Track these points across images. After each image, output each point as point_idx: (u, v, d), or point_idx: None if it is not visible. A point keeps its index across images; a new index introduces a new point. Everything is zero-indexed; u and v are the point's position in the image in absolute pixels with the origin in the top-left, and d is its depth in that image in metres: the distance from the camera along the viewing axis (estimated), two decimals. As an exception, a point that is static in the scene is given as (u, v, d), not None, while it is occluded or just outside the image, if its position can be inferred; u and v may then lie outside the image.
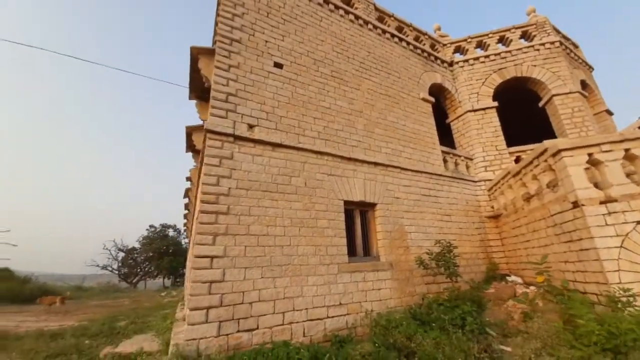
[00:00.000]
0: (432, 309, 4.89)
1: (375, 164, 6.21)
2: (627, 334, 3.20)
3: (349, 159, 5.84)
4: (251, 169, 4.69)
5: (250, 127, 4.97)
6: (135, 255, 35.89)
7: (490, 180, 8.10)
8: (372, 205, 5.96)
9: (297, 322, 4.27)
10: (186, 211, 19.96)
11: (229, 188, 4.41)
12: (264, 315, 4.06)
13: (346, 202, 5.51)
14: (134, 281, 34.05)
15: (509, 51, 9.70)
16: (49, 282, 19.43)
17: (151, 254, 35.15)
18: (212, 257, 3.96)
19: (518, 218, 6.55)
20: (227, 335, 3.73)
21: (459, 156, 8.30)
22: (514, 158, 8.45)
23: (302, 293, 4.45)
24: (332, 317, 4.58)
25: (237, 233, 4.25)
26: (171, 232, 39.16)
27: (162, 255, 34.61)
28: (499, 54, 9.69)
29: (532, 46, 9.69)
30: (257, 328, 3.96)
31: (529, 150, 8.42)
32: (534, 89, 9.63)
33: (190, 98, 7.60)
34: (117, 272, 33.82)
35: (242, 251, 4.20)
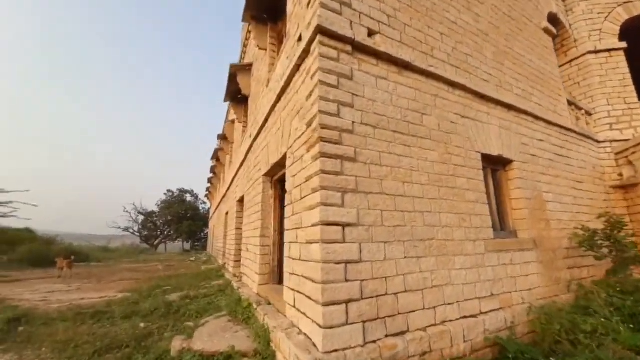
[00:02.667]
0: (614, 305, 3.51)
1: (509, 107, 4.54)
2: None
3: (482, 96, 4.18)
4: (376, 97, 3.12)
5: (371, 34, 3.30)
6: (155, 218, 36.00)
7: (618, 140, 6.36)
8: (507, 163, 4.40)
9: (451, 321, 2.96)
10: (211, 174, 18.85)
11: (353, 122, 2.89)
12: (413, 311, 2.74)
13: (482, 157, 3.96)
14: (155, 243, 34.41)
15: (640, -23, 7.36)
16: (74, 242, 19.09)
17: (170, 218, 35.20)
18: (343, 225, 2.55)
19: (688, 187, 4.92)
20: (375, 342, 2.43)
21: (580, 109, 6.48)
22: (649, 113, 6.59)
23: (451, 280, 3.10)
24: (487, 312, 3.26)
25: (370, 191, 2.80)
26: (188, 197, 38.99)
27: (181, 219, 34.62)
28: (627, -21, 7.37)
29: (664, -25, 7.32)
30: (408, 330, 2.66)
31: (672, 104, 6.54)
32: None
33: (243, 19, 5.82)
34: (138, 234, 34.10)
35: (378, 218, 2.77)
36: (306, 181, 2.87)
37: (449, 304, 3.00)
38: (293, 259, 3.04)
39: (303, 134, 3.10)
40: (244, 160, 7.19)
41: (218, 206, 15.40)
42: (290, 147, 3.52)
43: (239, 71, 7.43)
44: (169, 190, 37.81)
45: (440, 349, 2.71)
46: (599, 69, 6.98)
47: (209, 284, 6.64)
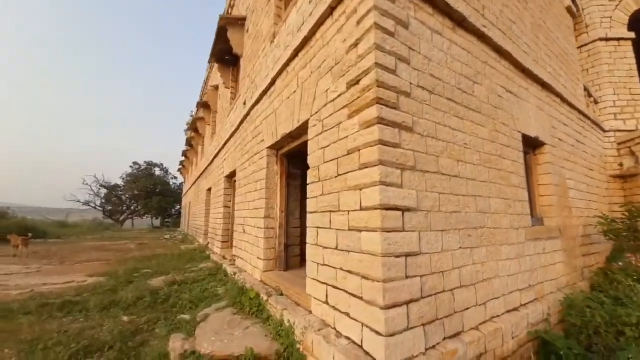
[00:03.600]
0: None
1: (544, 85, 4.20)
2: None
3: (524, 69, 3.78)
4: (432, 55, 2.56)
5: (429, -26, 2.67)
6: (120, 192, 33.46)
7: (621, 131, 6.40)
8: (538, 147, 4.12)
9: (499, 316, 2.68)
10: (187, 147, 17.38)
11: (410, 84, 2.32)
12: (467, 309, 2.39)
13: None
14: (120, 219, 32.19)
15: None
16: (28, 216, 17.05)
17: (137, 193, 32.88)
18: (403, 210, 2.06)
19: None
20: (435, 347, 2.05)
21: (590, 96, 6.37)
22: (650, 105, 6.67)
23: (498, 272, 2.78)
24: (526, 304, 3.04)
25: (427, 169, 2.31)
26: (157, 171, 36.53)
27: (149, 194, 32.49)
28: (641, -35, 7.18)
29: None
30: (463, 330, 2.31)
31: (673, 96, 6.65)
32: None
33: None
34: (101, 209, 31.60)
35: (436, 202, 2.31)
36: (349, 154, 2.32)
37: (496, 298, 2.70)
38: (324, 248, 2.54)
39: (340, 95, 2.50)
40: (235, 131, 6.36)
41: (195, 181, 14.29)
42: (317, 112, 2.89)
43: (230, 25, 6.38)
44: (135, 163, 35.04)
45: (494, 349, 2.41)
46: (608, 57, 6.87)
47: (195, 267, 5.99)
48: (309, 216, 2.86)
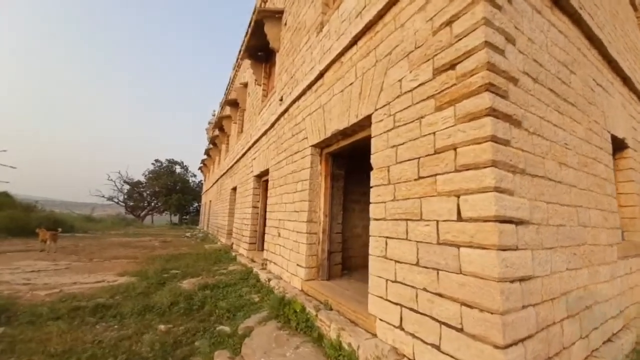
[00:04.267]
0: None
1: (625, 79, 3.70)
2: None
3: (610, 61, 3.31)
4: (533, 36, 2.16)
5: (528, -57, 2.27)
6: (141, 189, 34.24)
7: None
8: (619, 150, 3.61)
9: (598, 349, 2.25)
10: (210, 146, 17.42)
11: (518, 69, 1.94)
12: (574, 343, 1.98)
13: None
14: (141, 215, 32.93)
15: None
16: (55, 209, 17.56)
17: (157, 189, 33.55)
18: (516, 223, 1.68)
19: None
20: (552, 397, 1.65)
21: (658, 95, 5.71)
22: None
23: (596, 297, 2.35)
24: (617, 333, 2.58)
25: (535, 173, 1.92)
26: (178, 169, 37.20)
27: (170, 191, 33.07)
28: None
29: None
30: (574, 372, 1.90)
31: None
32: None
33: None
34: (123, 204, 32.43)
35: (545, 213, 1.92)
36: (436, 153, 1.95)
37: (595, 328, 2.26)
38: (397, 262, 2.18)
39: (422, 84, 2.15)
40: (268, 129, 6.10)
41: (218, 180, 14.23)
42: (385, 106, 2.55)
43: (266, 19, 6.12)
44: (157, 160, 35.81)
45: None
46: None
47: (224, 269, 5.75)
48: (372, 223, 2.52)
